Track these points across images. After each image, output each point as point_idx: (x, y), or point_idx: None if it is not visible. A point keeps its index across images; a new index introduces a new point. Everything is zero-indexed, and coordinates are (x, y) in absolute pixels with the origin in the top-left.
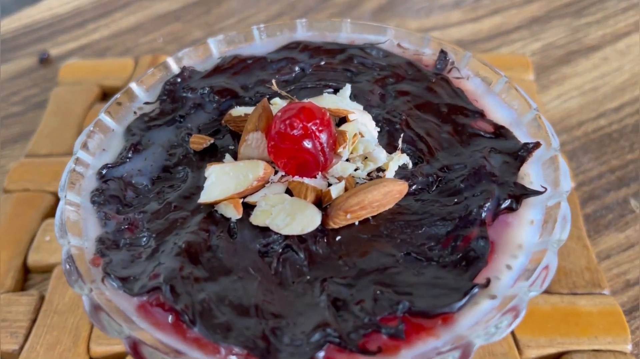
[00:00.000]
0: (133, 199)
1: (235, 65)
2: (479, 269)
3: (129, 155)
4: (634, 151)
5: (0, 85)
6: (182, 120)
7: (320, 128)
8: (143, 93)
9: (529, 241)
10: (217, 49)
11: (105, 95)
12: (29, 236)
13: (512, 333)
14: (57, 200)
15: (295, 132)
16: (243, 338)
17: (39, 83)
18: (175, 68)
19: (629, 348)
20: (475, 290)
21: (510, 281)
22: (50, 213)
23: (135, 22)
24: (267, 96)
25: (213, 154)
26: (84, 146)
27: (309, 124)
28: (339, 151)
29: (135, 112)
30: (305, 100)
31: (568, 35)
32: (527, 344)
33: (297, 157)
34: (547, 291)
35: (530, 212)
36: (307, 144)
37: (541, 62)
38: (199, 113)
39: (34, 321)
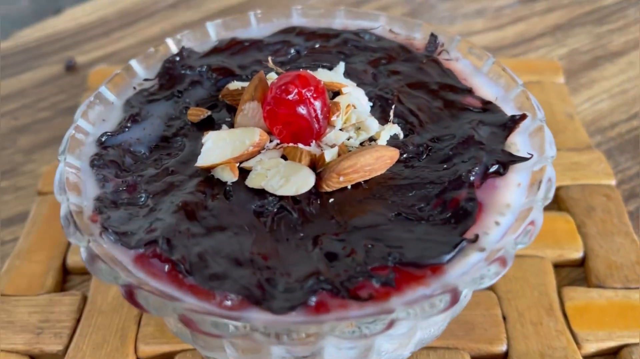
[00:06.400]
0: (131, 165)
1: (232, 47)
2: (467, 226)
3: (128, 125)
4: None
5: (27, 92)
6: (180, 95)
7: (314, 95)
8: (143, 71)
9: (516, 201)
10: (215, 32)
11: None
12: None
13: (570, 328)
14: None
15: (290, 97)
16: (238, 286)
17: (66, 90)
18: (174, 48)
19: None
20: (464, 243)
21: (498, 236)
22: None
23: (160, 31)
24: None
25: (210, 126)
26: (84, 115)
27: (304, 90)
28: (332, 120)
29: (134, 88)
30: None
31: (592, 41)
32: (585, 338)
33: (292, 122)
34: (601, 286)
35: (517, 176)
36: (302, 110)
37: (569, 67)
38: (196, 89)
39: (78, 321)
